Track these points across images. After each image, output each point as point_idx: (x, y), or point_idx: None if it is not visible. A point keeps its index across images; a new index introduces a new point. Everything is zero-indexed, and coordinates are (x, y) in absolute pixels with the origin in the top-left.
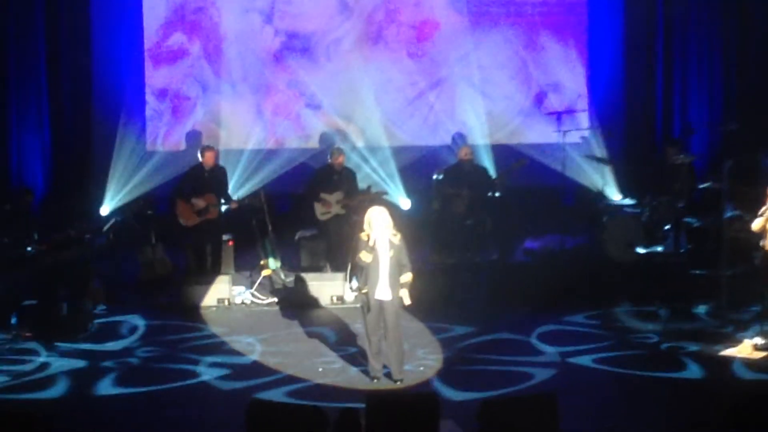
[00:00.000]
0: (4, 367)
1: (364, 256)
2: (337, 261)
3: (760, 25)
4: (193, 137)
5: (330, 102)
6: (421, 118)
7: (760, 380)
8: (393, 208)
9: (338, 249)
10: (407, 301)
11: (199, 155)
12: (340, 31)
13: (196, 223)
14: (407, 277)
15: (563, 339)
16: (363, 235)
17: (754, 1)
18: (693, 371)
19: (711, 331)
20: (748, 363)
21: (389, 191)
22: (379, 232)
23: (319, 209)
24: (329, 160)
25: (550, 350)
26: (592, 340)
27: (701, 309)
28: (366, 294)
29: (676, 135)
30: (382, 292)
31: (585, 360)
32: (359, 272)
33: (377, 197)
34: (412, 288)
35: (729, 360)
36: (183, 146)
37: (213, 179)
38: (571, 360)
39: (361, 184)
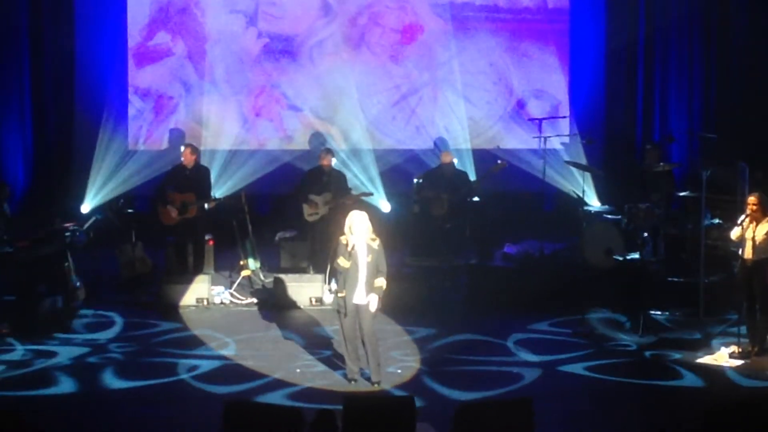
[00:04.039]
0: None
1: (342, 262)
2: (320, 262)
3: (739, 36)
4: (175, 136)
5: (312, 104)
6: (402, 122)
7: (737, 388)
8: (373, 211)
9: (322, 250)
10: (374, 307)
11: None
12: (323, 34)
13: (176, 222)
14: (380, 282)
15: (540, 344)
16: (342, 239)
17: (735, 12)
18: (669, 378)
19: (688, 338)
20: (725, 371)
21: (373, 193)
22: (359, 237)
23: (306, 210)
24: (318, 161)
25: (527, 355)
26: (570, 345)
27: (678, 316)
28: (343, 297)
29: (656, 141)
30: (360, 296)
31: (562, 365)
32: (338, 275)
33: (359, 199)
34: (388, 292)
35: (705, 367)
36: (165, 145)
37: (194, 178)
38: (548, 365)
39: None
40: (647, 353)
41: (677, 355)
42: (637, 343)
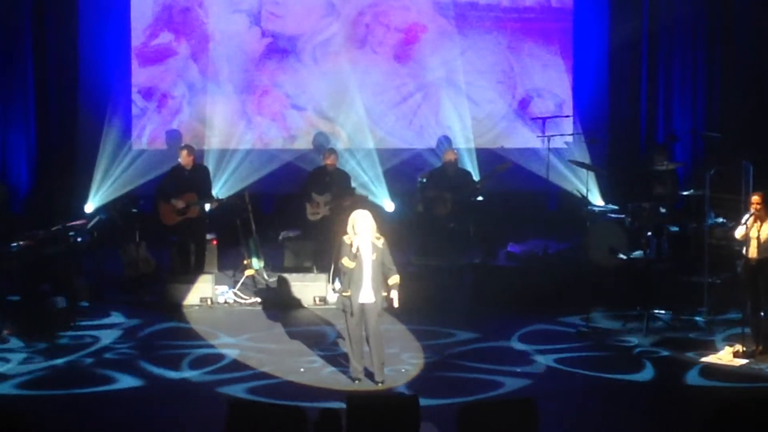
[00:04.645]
0: None
1: (347, 263)
2: (322, 262)
3: (743, 35)
4: (178, 136)
5: (316, 103)
6: (406, 121)
7: (739, 387)
8: (376, 211)
9: (324, 250)
10: (396, 303)
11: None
12: (327, 34)
13: (177, 222)
14: (395, 279)
15: (545, 343)
16: (346, 239)
17: (739, 11)
18: (673, 378)
19: (692, 337)
20: (727, 370)
21: (371, 195)
22: (363, 236)
23: (309, 210)
24: (322, 161)
25: (531, 354)
26: (574, 344)
27: (683, 316)
28: (348, 297)
29: (660, 142)
30: (365, 295)
31: (566, 365)
32: (342, 274)
33: (361, 199)
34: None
35: (709, 367)
36: (168, 145)
37: (194, 178)
38: (552, 365)
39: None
40: (651, 352)
41: (681, 355)
42: (642, 343)
